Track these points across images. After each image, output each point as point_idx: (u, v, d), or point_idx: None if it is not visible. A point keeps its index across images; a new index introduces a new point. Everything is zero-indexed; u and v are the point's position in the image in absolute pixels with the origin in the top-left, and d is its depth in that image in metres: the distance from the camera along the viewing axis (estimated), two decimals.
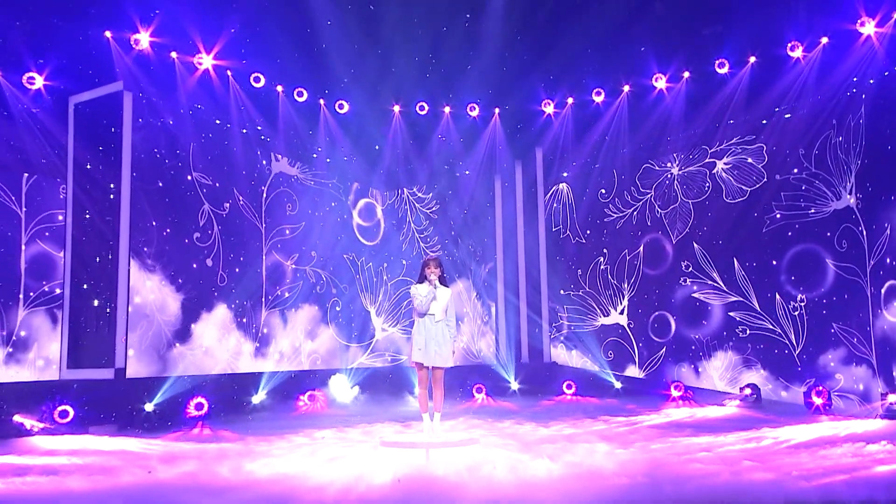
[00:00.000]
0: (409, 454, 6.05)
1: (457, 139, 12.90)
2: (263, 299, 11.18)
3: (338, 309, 12.40)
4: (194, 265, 10.13)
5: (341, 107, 12.13)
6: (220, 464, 6.16)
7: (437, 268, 6.50)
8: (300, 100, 11.65)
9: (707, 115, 11.47)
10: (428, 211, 13.54)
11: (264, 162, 11.54)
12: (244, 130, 11.14)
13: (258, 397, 10.56)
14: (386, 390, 11.77)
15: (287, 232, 11.72)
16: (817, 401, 9.48)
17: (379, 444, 6.39)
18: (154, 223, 9.68)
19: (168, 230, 9.86)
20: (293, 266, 11.72)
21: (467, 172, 13.40)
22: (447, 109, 12.72)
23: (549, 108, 12.84)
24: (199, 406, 9.11)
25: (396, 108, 12.55)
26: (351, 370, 12.09)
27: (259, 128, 11.35)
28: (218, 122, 10.78)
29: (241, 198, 11.03)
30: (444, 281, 6.60)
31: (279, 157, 11.80)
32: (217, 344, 10.34)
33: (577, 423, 8.84)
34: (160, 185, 9.84)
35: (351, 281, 12.66)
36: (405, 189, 13.49)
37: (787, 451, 6.58)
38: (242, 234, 10.95)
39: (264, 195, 11.47)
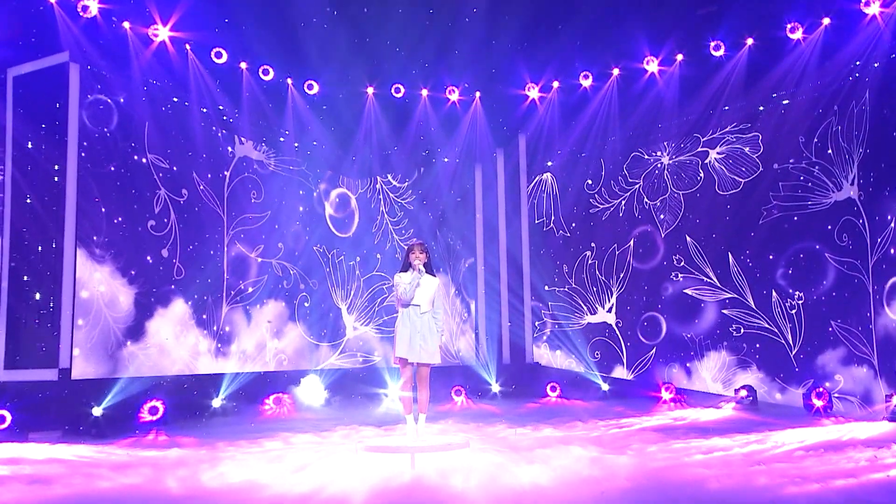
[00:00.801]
0: (394, 460, 5.81)
1: (435, 124, 12.73)
2: (225, 294, 10.91)
3: (307, 305, 12.17)
4: (148, 257, 9.82)
5: (311, 87, 11.88)
6: (176, 473, 5.97)
7: (422, 253, 6.28)
8: (266, 78, 11.37)
9: (700, 101, 11.37)
10: (403, 201, 13.36)
11: (229, 149, 11.26)
12: (204, 110, 10.81)
13: (219, 400, 10.34)
14: (358, 393, 11.61)
15: (251, 221, 11.47)
16: (817, 403, 9.42)
17: (361, 449, 6.16)
18: (103, 210, 9.29)
19: (119, 217, 9.50)
20: (258, 259, 11.48)
21: (446, 160, 13.24)
22: (425, 92, 12.55)
23: (534, 93, 12.68)
24: (153, 410, 8.86)
25: (370, 90, 12.35)
26: (320, 371, 11.93)
27: (221, 108, 11.04)
28: (175, 99, 10.44)
29: (200, 183, 10.71)
30: (430, 269, 6.37)
31: (243, 139, 11.53)
32: (174, 342, 10.06)
33: (567, 426, 8.73)
34: (111, 168, 9.46)
35: (321, 276, 12.45)
36: (379, 178, 13.31)
37: (801, 454, 6.53)
38: (202, 223, 10.65)
39: (227, 181, 11.18)
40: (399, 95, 12.33)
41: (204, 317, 10.50)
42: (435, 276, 6.43)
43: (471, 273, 13.23)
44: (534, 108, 12.86)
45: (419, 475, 5.49)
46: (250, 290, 11.28)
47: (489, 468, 5.74)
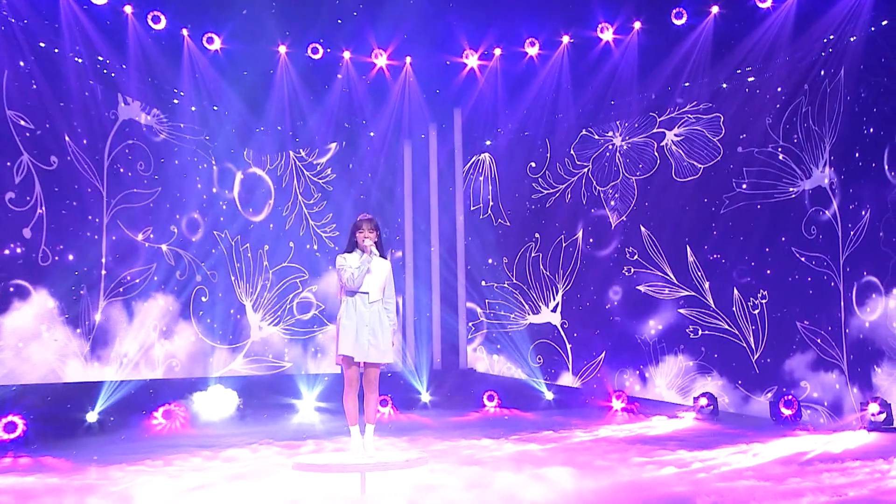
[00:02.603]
0: (338, 481, 5.40)
1: (360, 93, 12.48)
2: (103, 285, 10.45)
3: (204, 300, 11.76)
4: (5, 238, 9.37)
5: (211, 41, 11.47)
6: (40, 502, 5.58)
7: (372, 231, 5.97)
8: (156, 27, 10.89)
9: (659, 75, 11.36)
10: (322, 181, 13.06)
11: (111, 112, 10.75)
12: (79, 60, 10.23)
13: (95, 414, 9.90)
14: (267, 404, 11.28)
15: (138, 199, 11.01)
16: (786, 412, 9.53)
17: (291, 467, 5.76)
18: None
19: None
20: (145, 243, 11.06)
21: (372, 135, 13.04)
22: (347, 55, 12.27)
23: (472, 61, 12.48)
24: (10, 427, 8.52)
25: (282, 49, 11.98)
26: (220, 379, 11.53)
27: (101, 59, 10.52)
28: (43, 45, 9.88)
29: (74, 149, 10.18)
30: (381, 249, 6.08)
31: (128, 99, 11.02)
32: (37, 344, 9.61)
33: (519, 440, 8.54)
34: None
35: (222, 266, 12.06)
36: (292, 152, 12.95)
37: (796, 468, 6.55)
38: (76, 199, 10.18)
39: (107, 148, 10.66)
40: (317, 57, 12.05)
41: (75, 313, 10.09)
42: (386, 258, 6.14)
43: (398, 266, 13.07)
44: (472, 79, 12.65)
45: (372, 500, 5.17)
46: (136, 280, 10.92)
47: (457, 492, 5.45)
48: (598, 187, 12.13)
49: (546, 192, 12.63)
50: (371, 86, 12.51)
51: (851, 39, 9.35)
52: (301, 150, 12.96)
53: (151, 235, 11.07)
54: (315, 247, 12.75)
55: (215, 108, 11.86)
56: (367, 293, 5.89)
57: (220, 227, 12.04)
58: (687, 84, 11.19)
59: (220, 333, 11.89)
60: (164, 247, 11.22)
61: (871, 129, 9.12)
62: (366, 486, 5.30)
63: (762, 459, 7.04)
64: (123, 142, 10.84)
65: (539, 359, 12.51)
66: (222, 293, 11.95)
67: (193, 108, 11.66)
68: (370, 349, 5.84)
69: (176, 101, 11.49)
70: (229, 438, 9.00)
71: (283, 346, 12.52)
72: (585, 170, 12.27)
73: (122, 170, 10.75)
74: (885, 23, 8.98)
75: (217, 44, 11.37)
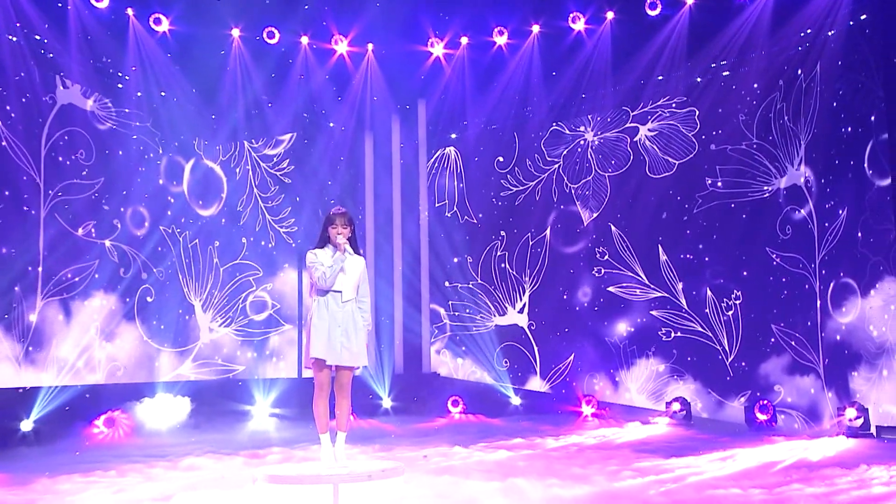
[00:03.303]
0: (310, 494, 5.23)
1: (319, 81, 12.35)
2: (39, 284, 10.20)
3: (149, 300, 11.52)
4: None
5: (158, 22, 11.22)
6: None
7: (346, 227, 5.81)
8: (99, 5, 10.64)
9: (633, 68, 11.42)
10: (279, 174, 12.89)
11: (49, 96, 10.48)
12: (13, 38, 9.94)
13: (30, 423, 9.59)
14: (218, 411, 11.06)
15: (78, 190, 10.75)
16: (761, 417, 9.63)
17: (260, 480, 5.58)
18: None
19: None
20: (86, 239, 10.79)
21: (332, 125, 12.93)
22: (305, 40, 12.12)
23: (438, 49, 12.40)
24: None
25: (236, 33, 11.80)
26: (167, 384, 11.29)
27: (38, 38, 10.26)
28: None
29: (8, 136, 9.94)
30: (355, 245, 5.95)
31: (68, 83, 10.72)
32: None
33: (488, 448, 8.46)
34: None
35: (169, 263, 11.81)
36: (247, 143, 12.73)
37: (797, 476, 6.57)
38: (10, 189, 9.96)
39: (45, 135, 10.41)
40: (273, 42, 11.89)
41: (9, 314, 9.87)
42: (361, 254, 6.02)
43: None
44: (438, 69, 12.58)
45: None
46: (76, 279, 10.66)
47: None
48: (569, 184, 12.13)
49: (515, 189, 12.62)
50: (331, 74, 12.37)
51: (830, 34, 9.47)
52: (255, 141, 12.74)
53: (93, 230, 10.83)
54: (272, 243, 12.58)
55: (163, 93, 11.61)
56: (340, 292, 5.75)
57: (168, 221, 11.79)
58: (661, 78, 11.26)
59: (167, 336, 11.66)
60: (107, 242, 10.99)
61: (850, 128, 9.23)
62: (339, 498, 5.15)
63: (741, 466, 7.07)
64: (63, 128, 10.56)
65: (505, 362, 12.50)
66: (169, 293, 11.73)
67: (139, 94, 11.40)
68: (343, 352, 5.70)
69: (120, 86, 11.25)
70: (181, 448, 8.77)
71: (236, 348, 12.34)
72: (556, 166, 12.28)
73: (60, 159, 10.47)
74: (863, 17, 9.11)
75: (165, 25, 11.14)
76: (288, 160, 12.91)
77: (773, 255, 10.12)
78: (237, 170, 12.65)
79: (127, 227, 11.21)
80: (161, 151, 11.78)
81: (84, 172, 10.74)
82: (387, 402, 12.07)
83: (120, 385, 10.80)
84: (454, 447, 8.32)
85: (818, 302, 9.54)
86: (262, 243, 12.59)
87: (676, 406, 10.43)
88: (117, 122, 11.23)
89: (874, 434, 8.54)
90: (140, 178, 11.45)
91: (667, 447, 8.35)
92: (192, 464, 7.67)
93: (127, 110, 11.32)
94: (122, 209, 11.15)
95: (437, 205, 13.23)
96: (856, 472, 6.49)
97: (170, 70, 11.43)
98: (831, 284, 9.33)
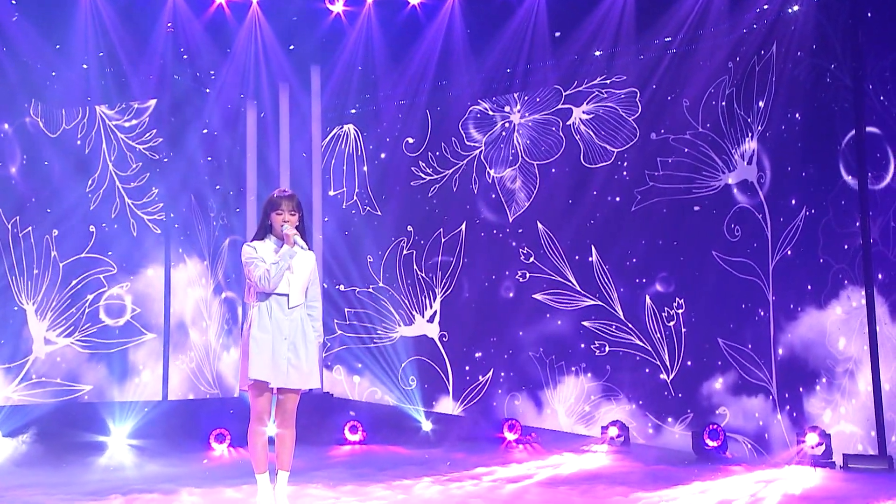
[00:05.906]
0: None
1: (193, 35, 11.88)
2: None
3: None
4: None
5: None
6: None
7: (293, 213, 5.66)
8: None
9: (569, 40, 11.39)
10: (142, 148, 12.44)
11: None
12: None
13: None
14: (59, 443, 10.52)
15: None
16: (711, 444, 9.72)
17: None
18: None
19: None
20: None
21: (207, 91, 12.61)
22: None
23: (338, 6, 12.12)
24: None
25: None
26: None
27: None
28: None
29: None
30: (304, 235, 5.83)
31: None
32: None
33: (402, 486, 8.19)
34: None
35: None
36: (99, 107, 12.26)
37: None
38: None
39: None
40: None
41: None
42: (311, 248, 5.79)
43: (236, 261, 12.42)
44: (338, 29, 12.31)
45: None
46: None
47: None
48: (491, 173, 12.12)
49: (428, 177, 12.56)
50: (208, 27, 11.92)
51: (791, 10, 9.65)
52: (115, 106, 12.28)
53: None
54: (134, 233, 12.15)
55: None
56: (287, 296, 5.53)
57: None
58: (598, 53, 11.30)
59: None
60: None
61: (810, 119, 9.43)
62: None
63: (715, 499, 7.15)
64: None
65: (412, 380, 12.45)
66: None
67: None
68: (290, 371, 5.59)
69: None
70: (16, 492, 8.03)
71: (80, 364, 11.88)
72: (477, 152, 12.26)
73: None
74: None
75: None
76: (155, 131, 12.51)
77: (720, 260, 10.31)
78: (86, 141, 12.20)
79: None
80: None
81: None
82: (271, 429, 11.59)
83: None
84: (369, 485, 8.08)
85: (771, 313, 9.76)
86: (119, 231, 12.17)
87: (614, 431, 10.44)
88: None
89: (840, 464, 8.71)
90: None
91: (621, 479, 8.31)
92: None
93: None
94: None
95: (331, 193, 13.14)
96: None
97: None
98: (787, 294, 9.56)
